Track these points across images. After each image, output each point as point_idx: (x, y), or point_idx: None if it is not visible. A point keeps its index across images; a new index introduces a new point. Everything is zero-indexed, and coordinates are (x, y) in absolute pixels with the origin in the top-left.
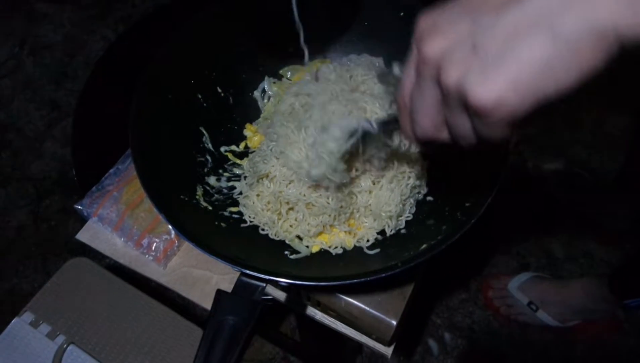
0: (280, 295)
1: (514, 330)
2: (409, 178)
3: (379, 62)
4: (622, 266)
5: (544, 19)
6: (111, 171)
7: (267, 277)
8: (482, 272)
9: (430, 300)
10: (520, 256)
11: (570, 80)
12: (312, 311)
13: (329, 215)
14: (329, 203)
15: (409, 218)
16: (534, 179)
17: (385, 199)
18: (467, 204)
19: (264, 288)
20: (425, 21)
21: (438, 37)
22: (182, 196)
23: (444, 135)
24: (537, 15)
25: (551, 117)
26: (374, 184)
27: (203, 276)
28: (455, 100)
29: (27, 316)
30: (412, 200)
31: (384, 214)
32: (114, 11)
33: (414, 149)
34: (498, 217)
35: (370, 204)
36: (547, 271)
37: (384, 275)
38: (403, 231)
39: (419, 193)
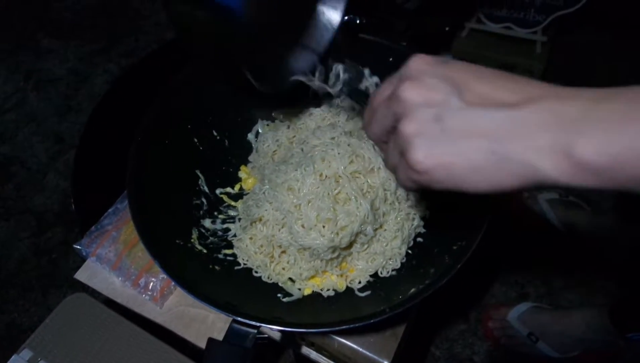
0: (276, 334)
1: (514, 361)
2: (414, 219)
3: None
4: (623, 300)
5: (497, 136)
6: (110, 210)
7: (258, 324)
8: (481, 302)
9: (429, 331)
10: (519, 286)
11: (482, 188)
12: (307, 351)
13: (321, 260)
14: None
15: (403, 260)
16: (529, 209)
17: (389, 240)
18: (454, 247)
19: (255, 335)
20: (418, 64)
21: (418, 89)
22: (177, 241)
23: (383, 147)
24: (496, 130)
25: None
26: (375, 230)
27: (199, 315)
28: (398, 142)
29: (25, 353)
30: (411, 241)
31: (387, 254)
32: (117, 45)
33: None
34: (496, 247)
35: (367, 249)
36: (547, 300)
37: (372, 321)
38: (394, 272)
39: (418, 232)
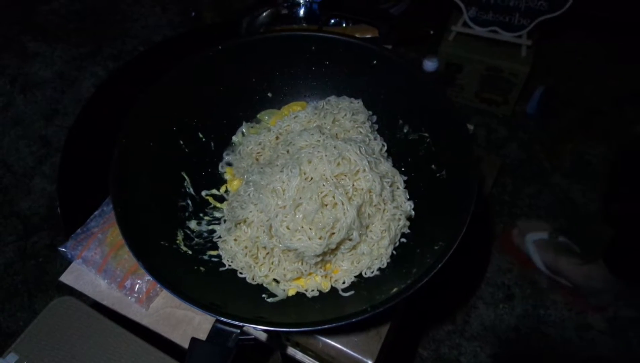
0: (261, 335)
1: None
2: (399, 219)
3: (358, 103)
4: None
5: None
6: (96, 213)
7: (241, 324)
8: (468, 304)
9: (417, 332)
10: (505, 287)
11: None
12: (293, 351)
13: (306, 262)
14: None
15: (389, 260)
16: (516, 247)
17: (377, 240)
18: (436, 247)
19: (237, 334)
20: None
21: None
22: (162, 242)
23: None
24: None
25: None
26: (360, 235)
27: (185, 317)
28: None
29: (10, 357)
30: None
31: (374, 253)
32: (104, 48)
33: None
34: (482, 248)
35: (352, 250)
36: (532, 301)
37: (354, 320)
38: (378, 272)
39: (402, 232)
